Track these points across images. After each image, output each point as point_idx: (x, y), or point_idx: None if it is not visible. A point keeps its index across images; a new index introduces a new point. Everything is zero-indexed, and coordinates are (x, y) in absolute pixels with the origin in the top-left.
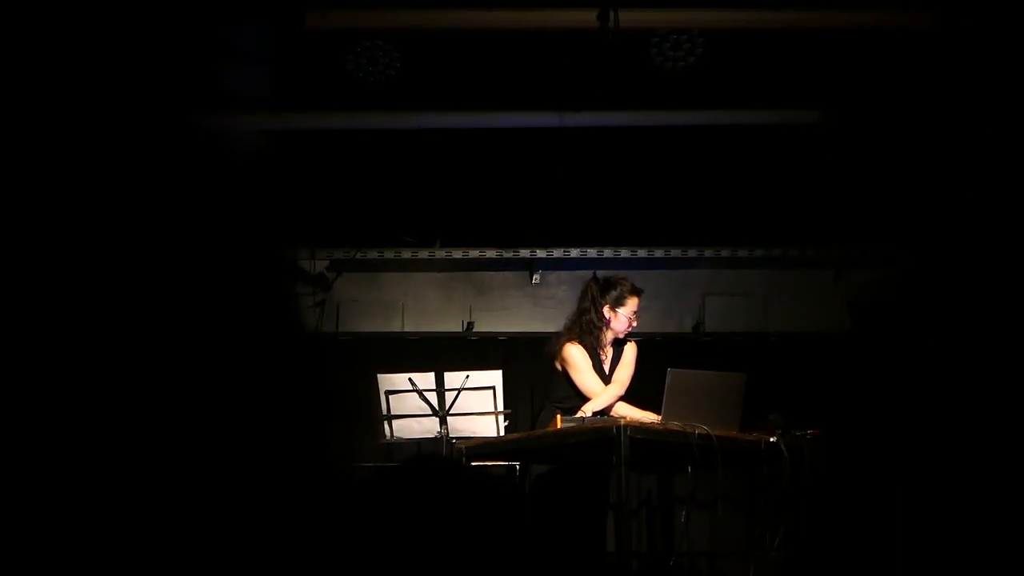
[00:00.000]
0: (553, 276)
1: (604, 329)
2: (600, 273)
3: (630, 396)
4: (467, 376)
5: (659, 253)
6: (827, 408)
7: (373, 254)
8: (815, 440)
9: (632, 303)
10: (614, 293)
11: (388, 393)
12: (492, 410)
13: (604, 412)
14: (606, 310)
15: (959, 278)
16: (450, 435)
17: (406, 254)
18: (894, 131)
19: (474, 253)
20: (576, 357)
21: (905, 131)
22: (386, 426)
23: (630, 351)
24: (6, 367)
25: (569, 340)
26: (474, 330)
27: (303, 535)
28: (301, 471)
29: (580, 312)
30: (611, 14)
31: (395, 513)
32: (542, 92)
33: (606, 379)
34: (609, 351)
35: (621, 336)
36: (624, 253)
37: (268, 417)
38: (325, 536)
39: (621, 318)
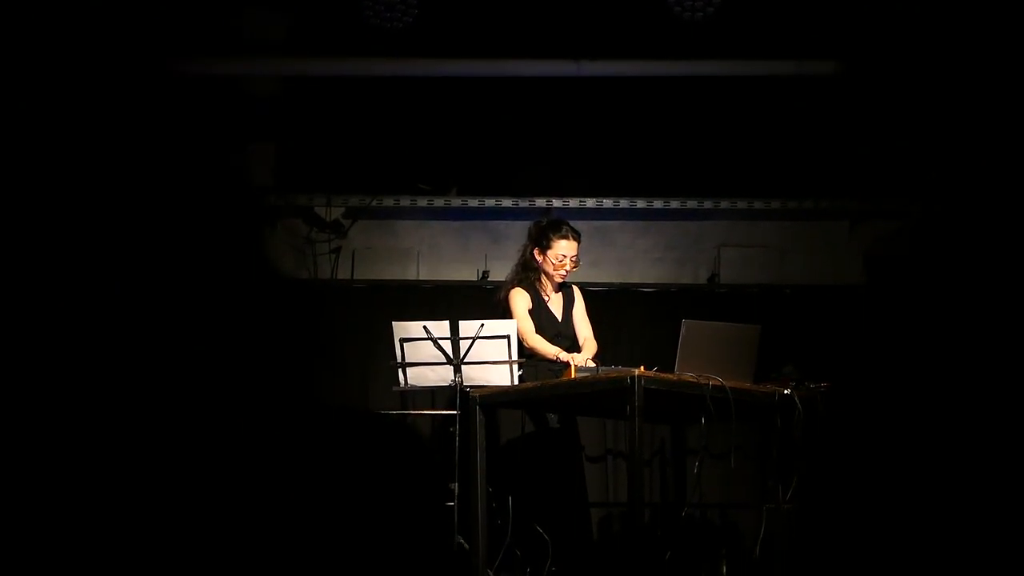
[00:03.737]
0: None
1: (540, 272)
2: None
3: (645, 350)
4: (482, 325)
5: (675, 204)
6: (841, 361)
7: (389, 202)
8: (828, 392)
9: (558, 246)
10: (542, 236)
11: (402, 341)
12: (506, 359)
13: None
14: (536, 253)
15: (976, 231)
16: (464, 383)
17: (422, 202)
18: (909, 83)
19: (490, 202)
20: (512, 303)
21: (920, 83)
22: (400, 374)
23: (580, 302)
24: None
25: (510, 286)
26: (489, 279)
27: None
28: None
29: (520, 257)
30: None
31: None
32: (559, 40)
33: (552, 321)
34: (555, 295)
35: (558, 280)
36: (640, 203)
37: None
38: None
39: (549, 260)
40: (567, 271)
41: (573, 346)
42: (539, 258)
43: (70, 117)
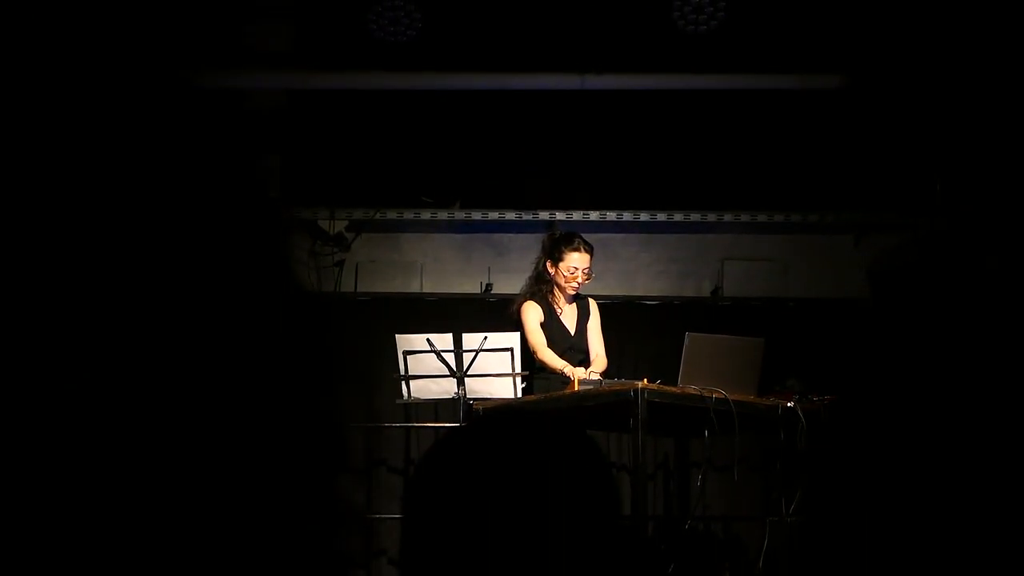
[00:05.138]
0: None
1: (552, 285)
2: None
3: (648, 362)
4: (485, 337)
5: (678, 217)
6: (845, 374)
7: (392, 215)
8: (832, 406)
9: (570, 258)
10: (555, 248)
11: (406, 353)
12: (510, 372)
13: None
14: (548, 265)
15: (980, 245)
16: (467, 396)
17: (425, 215)
18: (914, 96)
19: (493, 215)
20: (523, 316)
21: (925, 96)
22: (403, 386)
23: (595, 317)
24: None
25: (522, 299)
26: (492, 292)
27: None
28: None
29: (534, 269)
30: None
31: None
32: (564, 54)
33: (564, 335)
34: (568, 308)
35: (570, 292)
36: (643, 216)
37: (268, 372)
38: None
39: (561, 273)
40: (579, 283)
41: (585, 360)
42: (551, 270)
43: (77, 124)
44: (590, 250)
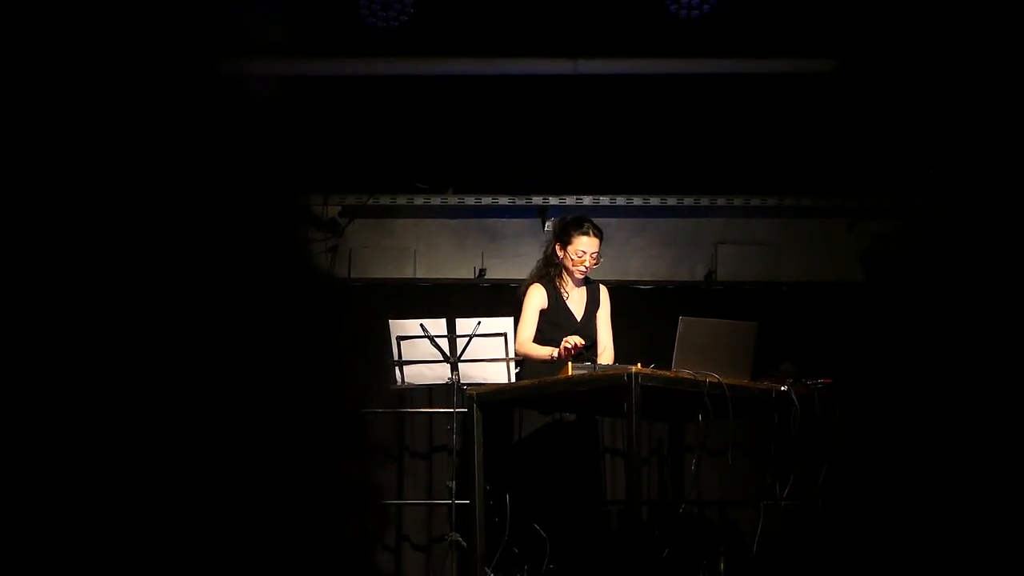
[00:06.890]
0: None
1: (560, 268)
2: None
3: (642, 347)
4: (479, 323)
5: (672, 201)
6: (838, 358)
7: (386, 200)
8: (826, 390)
9: (578, 241)
10: (564, 232)
11: (399, 339)
12: (503, 357)
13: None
14: (557, 248)
15: (974, 229)
16: (461, 381)
17: (418, 200)
18: (907, 80)
19: (486, 200)
20: (525, 300)
21: (918, 80)
22: (397, 372)
23: (605, 306)
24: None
25: (529, 282)
26: (486, 277)
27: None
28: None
29: (544, 252)
30: None
31: None
32: (556, 39)
33: (570, 320)
34: (576, 292)
35: (578, 276)
36: (636, 201)
37: (277, 356)
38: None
39: (569, 256)
40: (586, 267)
41: (592, 349)
42: (560, 253)
43: (72, 117)
44: (599, 235)
